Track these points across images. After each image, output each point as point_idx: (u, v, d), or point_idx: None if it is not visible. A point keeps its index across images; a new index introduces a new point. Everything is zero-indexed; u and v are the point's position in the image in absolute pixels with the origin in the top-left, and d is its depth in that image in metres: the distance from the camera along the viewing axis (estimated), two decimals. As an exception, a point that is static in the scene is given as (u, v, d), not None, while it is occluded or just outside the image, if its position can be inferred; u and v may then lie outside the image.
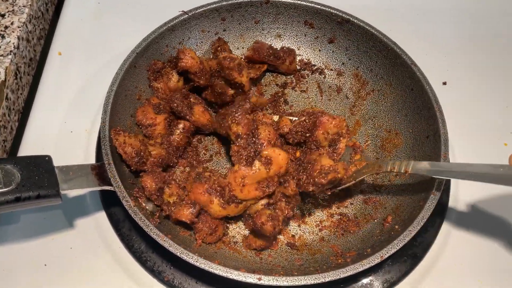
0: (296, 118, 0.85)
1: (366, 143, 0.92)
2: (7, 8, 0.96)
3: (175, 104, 0.86)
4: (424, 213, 0.73)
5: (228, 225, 0.81)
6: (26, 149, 0.88)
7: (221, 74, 0.88)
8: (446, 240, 0.83)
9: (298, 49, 1.02)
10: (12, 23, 0.94)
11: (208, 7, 0.95)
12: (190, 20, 0.94)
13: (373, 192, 0.86)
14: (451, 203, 0.87)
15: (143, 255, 0.78)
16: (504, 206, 0.87)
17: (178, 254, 0.68)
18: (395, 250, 0.70)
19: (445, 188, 0.85)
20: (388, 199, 0.84)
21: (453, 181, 0.89)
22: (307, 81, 1.00)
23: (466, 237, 0.84)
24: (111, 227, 0.80)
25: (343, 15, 0.95)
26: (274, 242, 0.79)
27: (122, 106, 0.85)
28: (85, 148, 0.89)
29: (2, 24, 0.93)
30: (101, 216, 0.82)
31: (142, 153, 0.80)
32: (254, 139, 0.79)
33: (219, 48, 0.97)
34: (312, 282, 0.67)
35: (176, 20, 0.92)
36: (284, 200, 0.78)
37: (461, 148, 0.94)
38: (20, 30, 0.93)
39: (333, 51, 1.00)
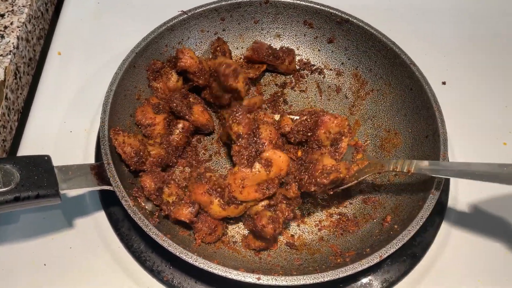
0: (298, 117, 0.85)
1: (366, 143, 0.92)
2: (7, 8, 0.96)
3: (174, 104, 0.86)
4: (423, 213, 0.74)
5: (227, 225, 0.81)
6: (26, 148, 0.88)
7: (217, 80, 0.87)
8: (446, 240, 0.83)
9: (298, 49, 1.02)
10: (11, 23, 0.94)
11: (208, 7, 0.95)
12: (189, 20, 0.94)
13: (372, 192, 0.86)
14: (450, 202, 0.87)
15: (143, 254, 0.78)
16: (503, 206, 0.87)
17: (177, 253, 0.68)
18: (394, 249, 0.70)
19: (444, 188, 0.85)
20: (387, 198, 0.84)
21: (452, 181, 0.89)
22: (306, 81, 1.00)
23: (465, 237, 0.84)
24: (110, 226, 0.80)
25: (343, 15, 0.95)
26: (273, 243, 0.79)
27: (122, 106, 0.85)
28: (84, 148, 0.89)
29: (2, 24, 0.93)
30: (101, 216, 0.82)
31: (141, 153, 0.80)
32: (255, 138, 0.79)
33: (218, 48, 0.97)
34: (311, 281, 0.68)
35: (176, 20, 0.92)
36: (285, 202, 0.78)
37: (460, 148, 0.94)
38: (19, 30, 0.93)
39: (332, 51, 1.00)
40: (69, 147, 0.89)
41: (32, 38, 0.99)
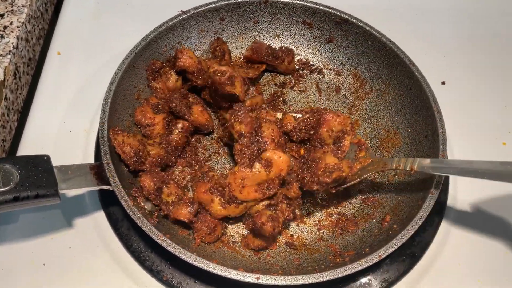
0: (300, 115, 0.85)
1: (365, 143, 0.92)
2: (6, 8, 0.96)
3: (173, 104, 0.86)
4: (423, 213, 0.74)
5: (226, 224, 0.81)
6: (25, 148, 0.88)
7: (213, 88, 0.87)
8: (445, 239, 0.83)
9: (297, 49, 1.02)
10: (11, 23, 0.94)
11: (207, 7, 0.95)
12: (189, 20, 0.94)
13: (372, 192, 0.86)
14: (449, 202, 0.87)
15: (142, 254, 0.78)
16: (503, 206, 0.87)
17: (176, 253, 0.68)
18: (393, 249, 0.70)
19: (444, 188, 0.85)
20: (386, 198, 0.84)
21: (452, 181, 0.89)
22: (305, 81, 1.00)
23: (464, 236, 0.84)
24: (109, 226, 0.80)
25: (342, 15, 0.95)
26: (273, 243, 0.79)
27: (121, 106, 0.85)
28: (84, 147, 0.89)
29: (1, 24, 0.93)
30: (100, 216, 0.82)
31: (140, 153, 0.80)
32: (257, 137, 0.78)
33: (217, 48, 0.97)
34: (311, 281, 0.68)
35: (175, 20, 0.92)
36: (285, 202, 0.77)
37: (460, 147, 0.94)
38: (19, 30, 0.93)
39: (331, 51, 1.00)
40: (68, 147, 0.89)
41: (32, 38, 0.99)
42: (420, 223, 0.73)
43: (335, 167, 0.76)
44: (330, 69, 1.00)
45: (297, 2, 0.97)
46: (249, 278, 0.68)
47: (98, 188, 0.75)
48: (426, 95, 0.85)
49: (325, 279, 0.68)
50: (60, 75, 0.99)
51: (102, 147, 0.76)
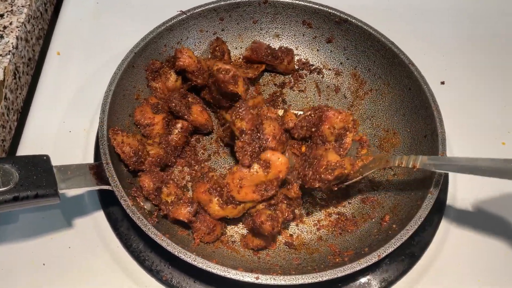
0: (301, 113, 0.84)
1: (364, 143, 0.92)
2: (6, 8, 0.96)
3: (173, 104, 0.86)
4: (422, 212, 0.74)
5: (226, 224, 0.81)
6: (25, 148, 0.88)
7: (216, 86, 0.87)
8: (444, 239, 0.83)
9: (296, 49, 1.02)
10: (10, 23, 0.94)
11: (206, 7, 0.95)
12: (188, 20, 0.94)
13: (371, 192, 0.86)
14: (449, 201, 0.87)
15: (141, 254, 0.78)
16: (502, 205, 0.87)
17: (176, 253, 0.68)
18: (393, 249, 0.70)
19: (443, 188, 0.85)
20: (386, 198, 0.84)
21: (451, 180, 0.89)
22: (305, 81, 1.00)
23: (464, 236, 0.84)
24: (109, 226, 0.80)
25: (341, 15, 0.95)
26: (272, 243, 0.79)
27: (120, 106, 0.85)
28: (83, 147, 0.89)
29: (1, 24, 0.93)
30: (100, 216, 0.82)
31: (140, 153, 0.80)
32: (258, 134, 0.78)
33: (217, 48, 0.97)
34: (310, 281, 0.68)
35: (175, 20, 0.93)
36: (285, 202, 0.77)
37: (459, 147, 0.94)
38: (18, 30, 0.93)
39: (331, 51, 1.00)
40: (68, 147, 0.89)
41: (31, 38, 0.99)
42: (419, 223, 0.73)
43: (337, 164, 0.75)
44: (329, 69, 1.00)
45: (297, 2, 0.97)
46: (249, 277, 0.68)
47: (97, 188, 0.75)
48: (426, 95, 0.85)
49: (324, 278, 0.68)
50: (60, 75, 0.99)
51: (101, 147, 0.76)
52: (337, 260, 0.75)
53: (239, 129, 0.78)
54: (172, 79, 0.90)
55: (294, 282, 0.67)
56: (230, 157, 0.89)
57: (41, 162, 0.71)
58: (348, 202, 0.85)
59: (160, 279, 0.76)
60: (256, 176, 0.75)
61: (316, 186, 0.76)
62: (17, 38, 0.92)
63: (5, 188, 0.67)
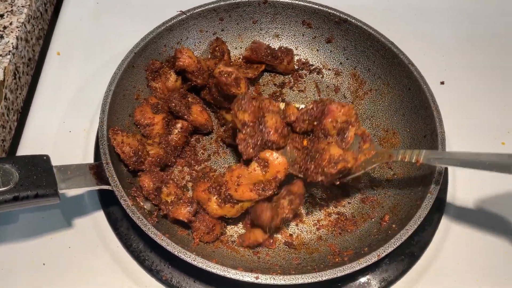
0: (304, 106, 0.83)
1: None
2: (6, 8, 0.96)
3: (173, 104, 0.87)
4: (421, 212, 0.74)
5: (226, 224, 0.81)
6: (25, 148, 0.88)
7: (218, 88, 0.86)
8: (444, 239, 0.83)
9: (296, 49, 1.02)
10: (10, 23, 0.94)
11: (206, 7, 0.95)
12: (188, 20, 0.94)
13: (371, 191, 0.86)
14: (448, 201, 0.87)
15: (141, 254, 0.78)
16: (502, 204, 0.87)
17: (175, 253, 0.69)
18: (392, 249, 0.70)
19: (443, 187, 0.86)
20: (385, 198, 0.84)
21: (451, 179, 0.89)
22: (305, 81, 1.00)
23: (464, 236, 0.84)
24: (109, 226, 0.81)
25: (341, 15, 0.95)
26: (269, 241, 0.79)
27: (120, 106, 0.86)
28: (83, 147, 0.89)
29: (1, 24, 0.94)
30: (99, 215, 0.82)
31: (140, 153, 0.80)
32: (260, 127, 0.78)
33: (217, 48, 0.97)
34: (310, 280, 0.68)
35: (174, 20, 0.93)
36: (287, 198, 0.77)
37: (458, 147, 0.94)
38: (18, 30, 0.93)
39: (331, 51, 1.00)
40: (68, 147, 0.89)
41: (31, 38, 0.99)
42: (419, 223, 0.73)
43: (340, 158, 0.74)
44: (329, 69, 1.00)
45: (296, 2, 0.97)
46: (248, 277, 0.68)
47: (97, 187, 0.75)
48: (425, 95, 0.86)
49: (324, 278, 0.68)
50: (60, 75, 0.99)
51: (101, 147, 0.77)
52: (337, 260, 0.75)
53: (241, 121, 0.77)
54: (172, 79, 0.90)
55: (293, 282, 0.67)
56: (230, 157, 0.89)
57: (41, 162, 0.71)
58: (348, 202, 0.85)
59: (160, 279, 0.76)
60: (254, 175, 0.75)
61: (319, 180, 0.75)
62: (17, 38, 0.92)
63: (5, 188, 0.67)
